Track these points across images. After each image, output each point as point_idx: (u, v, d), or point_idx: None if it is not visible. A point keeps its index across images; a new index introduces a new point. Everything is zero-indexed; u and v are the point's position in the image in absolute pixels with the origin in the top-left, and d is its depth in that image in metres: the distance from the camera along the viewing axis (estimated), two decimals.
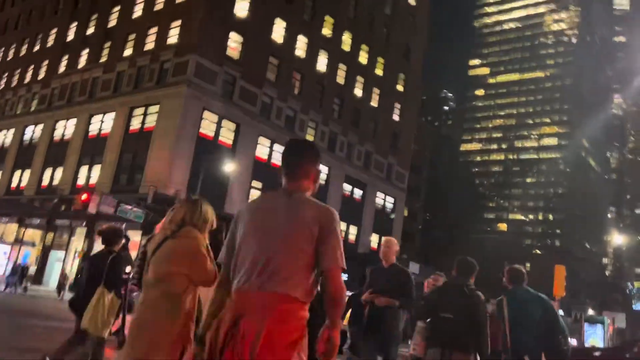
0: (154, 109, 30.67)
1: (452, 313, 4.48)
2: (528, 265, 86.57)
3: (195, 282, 3.12)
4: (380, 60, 43.05)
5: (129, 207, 23.47)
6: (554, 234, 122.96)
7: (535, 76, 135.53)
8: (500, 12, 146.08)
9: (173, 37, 31.44)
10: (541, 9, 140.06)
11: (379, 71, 42.95)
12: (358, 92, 40.92)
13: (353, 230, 39.76)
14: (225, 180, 30.13)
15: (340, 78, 39.41)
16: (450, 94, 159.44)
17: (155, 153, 29.28)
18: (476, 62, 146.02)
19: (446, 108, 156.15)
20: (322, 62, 37.86)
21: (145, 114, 31.30)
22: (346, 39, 40.03)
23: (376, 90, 42.53)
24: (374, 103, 42.41)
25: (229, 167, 30.12)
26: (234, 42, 32.02)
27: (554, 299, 17.44)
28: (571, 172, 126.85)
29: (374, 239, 41.58)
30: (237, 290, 2.31)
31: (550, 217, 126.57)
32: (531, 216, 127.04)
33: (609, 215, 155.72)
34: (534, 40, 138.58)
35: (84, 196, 22.22)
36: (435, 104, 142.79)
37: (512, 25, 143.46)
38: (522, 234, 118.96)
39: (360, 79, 41.00)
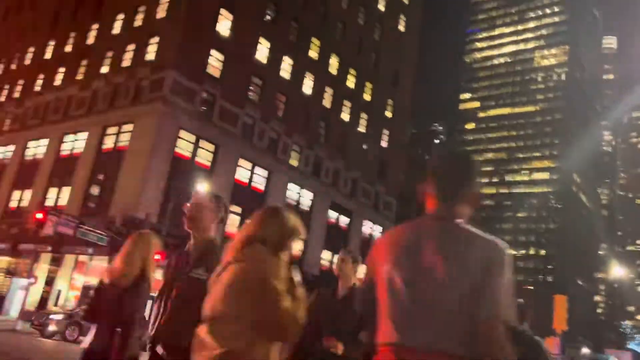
0: (128, 127, 29.08)
1: None
2: (521, 300, 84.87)
3: (262, 334, 2.15)
4: (369, 85, 41.97)
5: (91, 228, 21.58)
6: (546, 270, 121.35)
7: (526, 110, 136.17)
8: (490, 47, 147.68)
9: (151, 53, 30.12)
10: (530, 45, 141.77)
11: (367, 96, 41.81)
12: (345, 116, 39.64)
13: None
14: None
15: (327, 102, 38.16)
16: (441, 128, 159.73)
17: (126, 173, 27.55)
18: (467, 96, 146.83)
19: (437, 141, 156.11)
20: (307, 85, 36.63)
21: (118, 133, 29.70)
22: (333, 62, 38.96)
23: (364, 116, 41.29)
24: (362, 129, 41.10)
25: (206, 189, 28.38)
26: (215, 60, 30.73)
27: (555, 334, 15.78)
28: (563, 207, 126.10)
29: (361, 270, 39.66)
30: (387, 346, 1.89)
31: (542, 252, 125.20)
32: (523, 251, 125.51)
33: (600, 252, 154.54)
34: (524, 75, 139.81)
35: (38, 215, 20.33)
36: (426, 137, 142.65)
37: (502, 60, 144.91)
38: (514, 269, 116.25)
39: (347, 103, 39.78)
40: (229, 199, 29.78)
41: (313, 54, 37.21)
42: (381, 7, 43.88)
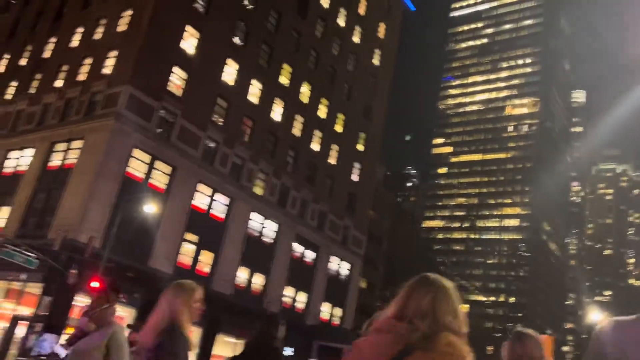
0: (78, 144, 26.77)
1: None
2: (490, 348, 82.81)
3: None
4: (341, 116, 40.62)
5: (17, 249, 18.99)
6: (515, 318, 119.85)
7: (497, 157, 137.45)
8: (463, 94, 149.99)
9: (108, 67, 28.17)
10: (502, 94, 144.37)
11: (338, 127, 40.38)
12: (315, 146, 37.99)
13: (302, 297, 35.40)
14: (152, 229, 25.95)
15: (297, 130, 36.51)
16: (414, 171, 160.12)
17: (71, 193, 25.09)
18: (440, 140, 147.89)
19: (409, 184, 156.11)
20: (277, 111, 35.00)
21: (67, 150, 27.33)
22: (305, 91, 37.55)
23: (335, 147, 39.72)
24: (332, 160, 39.45)
25: (159, 214, 26.09)
26: (178, 78, 28.91)
27: None
28: (532, 255, 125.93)
29: (325, 309, 37.24)
30: None
31: (512, 299, 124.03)
32: (492, 298, 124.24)
33: (568, 302, 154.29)
34: (495, 123, 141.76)
35: None
36: (398, 180, 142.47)
37: (474, 107, 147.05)
38: (484, 315, 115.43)
39: (318, 133, 38.22)
40: (184, 227, 27.47)
41: (284, 80, 35.76)
42: (356, 39, 43.05)
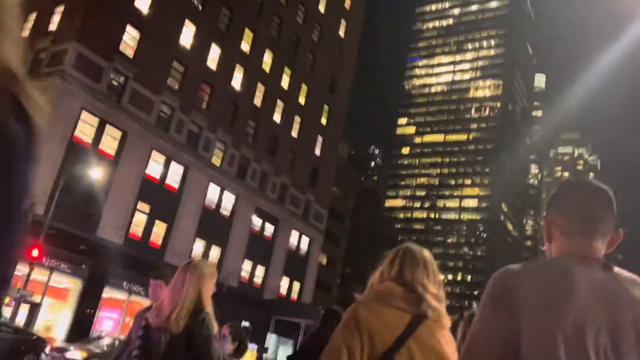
0: None
1: None
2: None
3: None
4: (304, 87, 39.45)
5: None
6: (472, 296, 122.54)
7: (459, 139, 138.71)
8: (428, 75, 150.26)
9: (54, 23, 26.22)
10: (467, 76, 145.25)
11: (301, 99, 39.24)
12: (277, 117, 36.81)
13: (260, 271, 34.54)
14: (101, 197, 24.47)
15: (258, 99, 35.21)
16: (377, 150, 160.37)
17: None
18: (404, 120, 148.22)
19: (373, 164, 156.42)
20: (237, 78, 33.58)
21: None
22: (267, 59, 36.17)
23: (297, 119, 38.63)
24: (294, 133, 38.38)
25: (108, 181, 24.63)
26: (131, 38, 27.18)
27: None
28: (490, 235, 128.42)
29: (284, 283, 36.52)
30: None
31: (469, 278, 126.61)
32: (450, 276, 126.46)
33: None
34: (459, 104, 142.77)
35: None
36: (362, 159, 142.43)
37: (439, 88, 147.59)
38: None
39: (280, 103, 37.01)
40: (136, 196, 26.06)
41: (245, 46, 34.30)
42: (321, 8, 41.74)
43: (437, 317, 1.99)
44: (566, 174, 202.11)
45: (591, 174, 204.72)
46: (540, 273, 1.44)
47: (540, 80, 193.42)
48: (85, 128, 24.78)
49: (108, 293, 24.62)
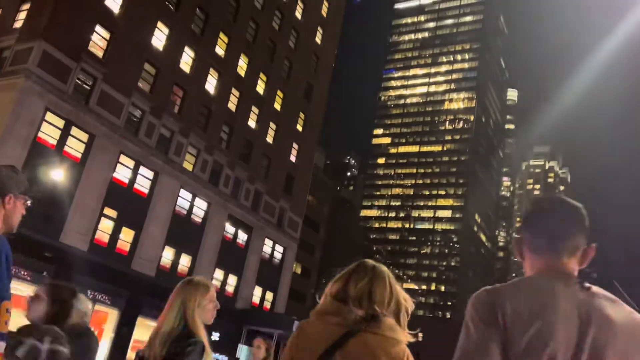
0: None
1: None
2: (421, 335, 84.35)
3: None
4: (280, 94, 38.91)
5: None
6: (445, 306, 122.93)
7: (434, 150, 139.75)
8: (404, 86, 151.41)
9: (19, 20, 25.21)
10: (441, 88, 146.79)
11: (277, 105, 38.67)
12: (252, 123, 36.15)
13: (232, 280, 33.64)
14: (65, 201, 23.45)
15: (232, 104, 34.53)
16: (354, 161, 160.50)
17: None
18: (379, 131, 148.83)
19: (349, 174, 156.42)
20: (211, 82, 32.87)
21: None
22: (242, 64, 35.56)
23: (272, 126, 38.02)
24: (269, 139, 37.75)
25: (73, 185, 23.64)
26: (100, 39, 26.30)
27: None
28: (464, 245, 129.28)
29: (257, 293, 35.67)
30: None
31: (443, 288, 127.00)
32: (424, 286, 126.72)
33: None
34: (433, 116, 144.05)
35: None
36: (338, 169, 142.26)
37: (414, 100, 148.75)
38: (416, 303, 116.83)
39: (255, 109, 36.37)
40: (102, 201, 25.08)
41: (219, 50, 33.64)
42: (298, 14, 41.38)
43: (380, 331, 1.94)
44: (537, 186, 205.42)
45: (562, 187, 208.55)
46: (524, 293, 1.46)
47: (512, 95, 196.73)
48: (50, 129, 23.76)
49: None
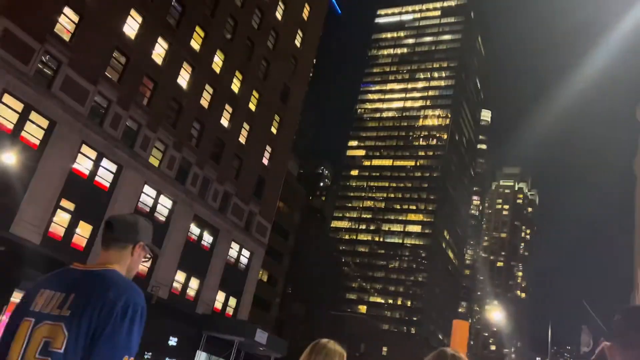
0: None
1: None
2: (385, 349, 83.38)
3: None
4: (255, 94, 37.92)
5: None
6: (410, 321, 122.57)
7: (406, 164, 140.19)
8: (380, 100, 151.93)
9: None
10: (417, 104, 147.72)
11: (252, 105, 37.65)
12: (224, 122, 35.03)
13: (194, 284, 32.27)
14: (18, 189, 21.93)
15: (205, 101, 33.38)
16: (327, 172, 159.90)
17: None
18: (354, 143, 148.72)
19: (321, 184, 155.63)
20: (183, 77, 31.70)
21: None
22: (218, 61, 34.49)
23: (246, 126, 36.95)
24: (242, 139, 36.65)
25: (29, 173, 22.16)
26: (68, 21, 24.94)
27: None
28: (431, 261, 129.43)
29: (220, 298, 34.32)
30: None
31: (409, 303, 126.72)
32: (390, 300, 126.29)
33: (460, 310, 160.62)
34: (408, 131, 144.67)
35: None
36: (311, 178, 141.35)
37: (390, 114, 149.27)
38: (381, 317, 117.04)
39: (229, 108, 35.28)
40: (59, 192, 23.64)
41: (195, 44, 32.52)
42: (278, 15, 40.56)
43: None
44: (507, 207, 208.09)
45: (530, 209, 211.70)
46: None
47: (486, 115, 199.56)
48: (7, 112, 22.27)
49: (17, 297, 21.89)
